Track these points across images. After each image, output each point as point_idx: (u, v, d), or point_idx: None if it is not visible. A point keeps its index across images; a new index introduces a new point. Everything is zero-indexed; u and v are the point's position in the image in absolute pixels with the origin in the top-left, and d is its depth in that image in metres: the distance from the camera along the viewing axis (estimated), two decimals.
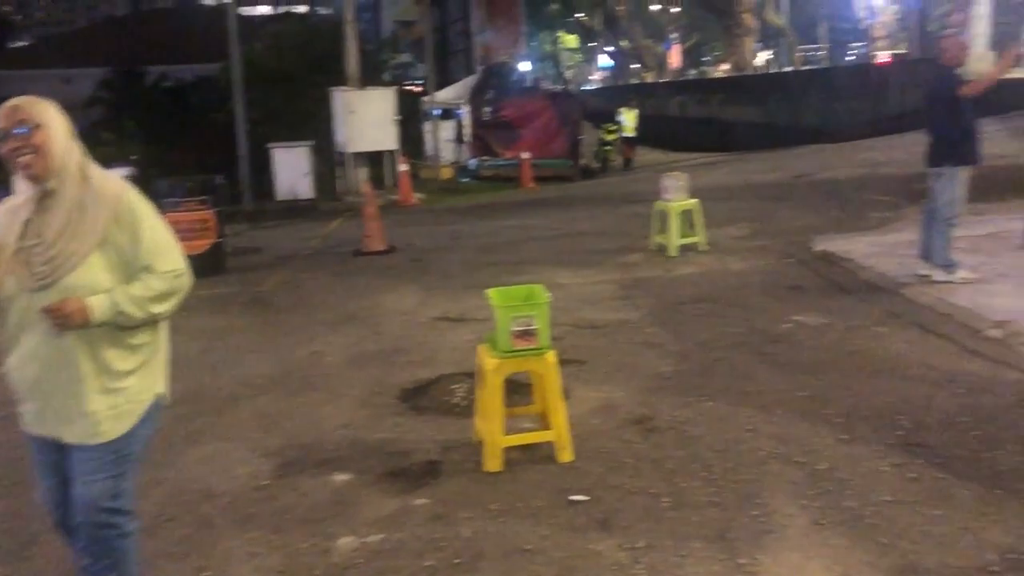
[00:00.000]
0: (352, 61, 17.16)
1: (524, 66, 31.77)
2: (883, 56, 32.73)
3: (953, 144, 6.54)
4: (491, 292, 4.27)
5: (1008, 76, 7.89)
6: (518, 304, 4.12)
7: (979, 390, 4.76)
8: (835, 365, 5.34)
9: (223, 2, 21.67)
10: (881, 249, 8.17)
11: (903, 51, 31.03)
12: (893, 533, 3.36)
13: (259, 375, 5.87)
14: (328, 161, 17.85)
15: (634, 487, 3.88)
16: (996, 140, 15.16)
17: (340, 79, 17.36)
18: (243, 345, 6.70)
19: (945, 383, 4.91)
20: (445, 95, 23.06)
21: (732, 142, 27.06)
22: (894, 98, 20.80)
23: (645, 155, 26.86)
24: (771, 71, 45.60)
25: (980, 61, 24.97)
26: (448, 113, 22.76)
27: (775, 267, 8.19)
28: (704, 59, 69.07)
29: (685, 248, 9.04)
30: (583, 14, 59.30)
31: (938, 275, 6.76)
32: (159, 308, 2.66)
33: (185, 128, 19.31)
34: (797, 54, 51.03)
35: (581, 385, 5.24)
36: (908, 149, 13.94)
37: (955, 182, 6.59)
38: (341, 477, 4.16)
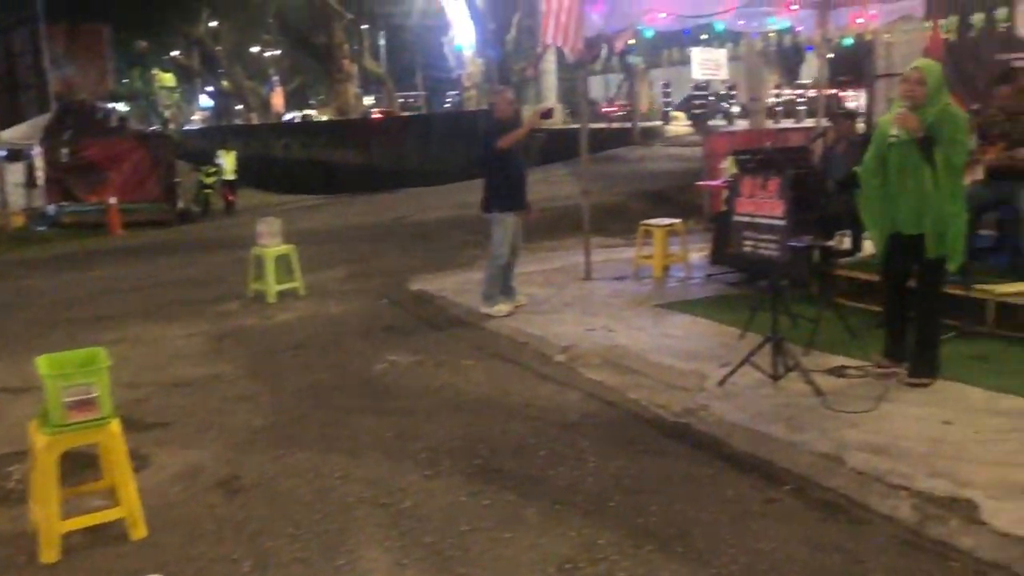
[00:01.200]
0: None
1: (111, 104, 29.51)
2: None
3: (501, 191, 7.22)
4: (40, 360, 3.80)
5: (580, 126, 8.93)
6: (71, 372, 3.71)
7: (548, 412, 5.22)
8: (424, 402, 5.54)
9: None
10: (470, 286, 8.69)
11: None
12: (469, 562, 3.51)
13: None
14: None
15: (215, 555, 3.65)
16: (566, 183, 17.05)
17: None
18: None
19: (520, 408, 5.31)
20: (12, 134, 20.61)
21: (338, 184, 27.46)
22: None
23: (251, 198, 26.24)
24: (372, 116, 47.11)
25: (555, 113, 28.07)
26: (18, 154, 20.33)
27: (372, 308, 8.36)
28: (311, 102, 69.50)
29: (284, 294, 8.90)
30: (178, 52, 56.73)
31: (484, 307, 7.43)
32: None
33: None
34: (398, 100, 53.31)
35: (163, 450, 4.87)
36: None
37: (503, 226, 7.27)
38: None
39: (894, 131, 4.82)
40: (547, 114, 7.50)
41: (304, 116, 59.06)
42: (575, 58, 8.19)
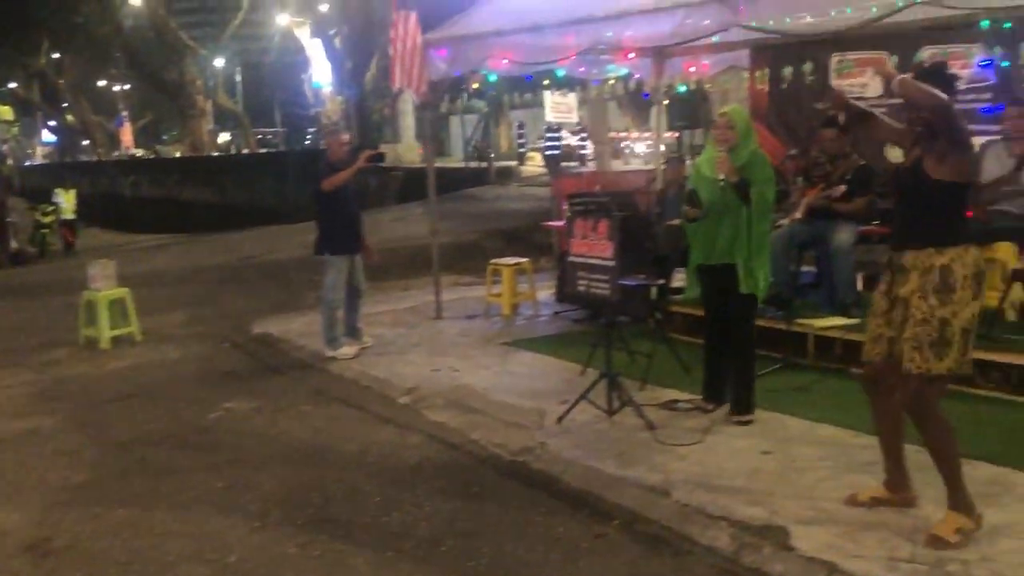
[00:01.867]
0: None
1: None
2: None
3: (332, 233, 7.17)
4: None
5: (434, 165, 8.96)
6: None
7: (387, 457, 5.15)
8: (259, 451, 5.36)
9: None
10: (316, 328, 8.51)
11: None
12: None
13: None
14: None
15: None
16: (422, 222, 17.03)
17: None
18: None
19: (358, 454, 5.22)
20: None
21: (190, 223, 26.55)
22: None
23: (96, 238, 25.04)
24: (228, 153, 45.99)
25: (408, 151, 28.22)
26: None
27: (213, 353, 8.07)
28: (164, 138, 67.19)
29: (119, 340, 8.48)
30: (16, 84, 53.80)
31: (328, 350, 7.32)
32: None
33: None
34: (255, 137, 52.22)
35: None
36: None
37: (334, 269, 7.21)
38: None
39: (721, 176, 5.05)
40: (375, 158, 7.46)
41: (154, 153, 56.99)
42: (420, 100, 8.24)
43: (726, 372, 5.36)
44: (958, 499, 3.70)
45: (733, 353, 5.29)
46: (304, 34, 33.88)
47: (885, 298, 3.86)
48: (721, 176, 5.05)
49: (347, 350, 7.30)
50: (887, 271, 3.90)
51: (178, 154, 50.97)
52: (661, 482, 4.35)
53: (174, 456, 5.33)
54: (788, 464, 4.55)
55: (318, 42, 32.39)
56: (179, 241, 21.31)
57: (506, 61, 7.75)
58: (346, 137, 7.63)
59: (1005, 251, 6.07)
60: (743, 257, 5.06)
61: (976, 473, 4.02)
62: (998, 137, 6.36)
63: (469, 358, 7.09)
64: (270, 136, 61.44)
